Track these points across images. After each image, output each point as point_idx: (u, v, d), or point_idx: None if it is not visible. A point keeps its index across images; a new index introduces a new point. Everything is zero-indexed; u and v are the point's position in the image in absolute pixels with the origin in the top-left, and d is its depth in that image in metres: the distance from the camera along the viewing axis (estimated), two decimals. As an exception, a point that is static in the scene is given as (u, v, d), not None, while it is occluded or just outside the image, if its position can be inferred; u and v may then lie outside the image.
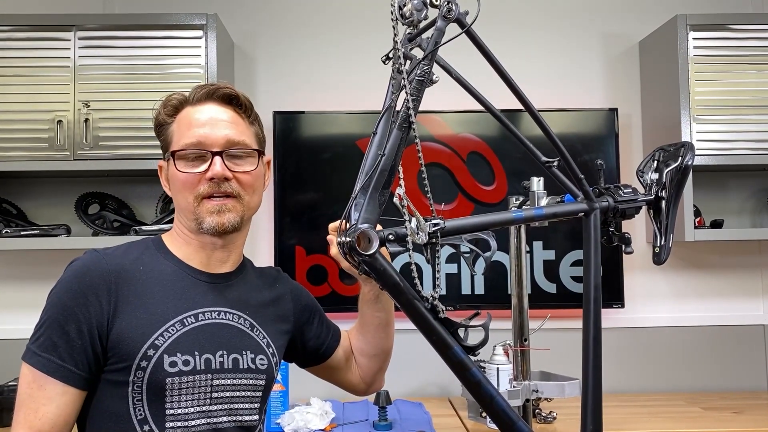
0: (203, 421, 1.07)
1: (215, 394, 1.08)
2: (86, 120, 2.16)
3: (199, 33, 2.21)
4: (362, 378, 1.40)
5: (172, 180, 1.16)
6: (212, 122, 1.13)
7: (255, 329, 1.17)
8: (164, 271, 1.12)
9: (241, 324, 1.15)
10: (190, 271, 1.14)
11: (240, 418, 1.12)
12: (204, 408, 1.07)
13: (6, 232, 2.23)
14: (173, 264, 1.14)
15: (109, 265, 1.07)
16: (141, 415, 1.03)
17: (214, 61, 2.19)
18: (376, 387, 1.44)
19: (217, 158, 1.11)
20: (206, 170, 1.11)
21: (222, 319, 1.13)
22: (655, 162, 1.06)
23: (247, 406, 1.13)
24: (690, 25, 2.26)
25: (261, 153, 1.19)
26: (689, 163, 1.00)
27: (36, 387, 1.01)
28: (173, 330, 1.06)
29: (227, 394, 1.10)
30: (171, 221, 2.26)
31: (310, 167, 2.43)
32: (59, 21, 2.20)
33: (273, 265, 1.49)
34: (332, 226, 1.29)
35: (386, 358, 1.40)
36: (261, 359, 1.15)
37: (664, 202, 1.02)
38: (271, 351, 1.19)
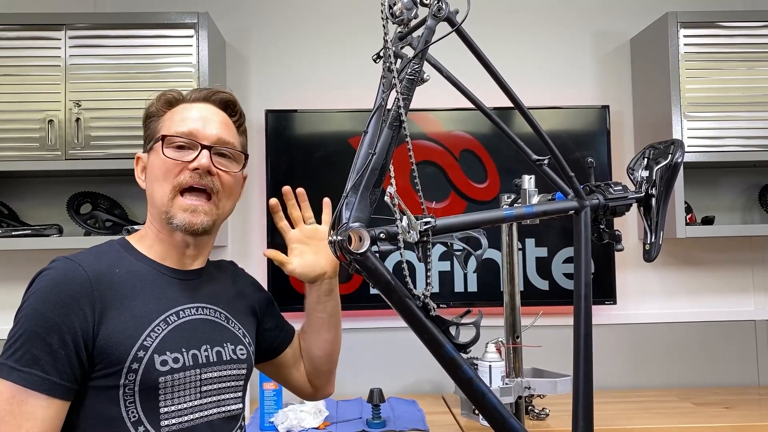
0: (196, 415, 1.09)
1: (204, 388, 1.10)
2: (77, 119, 2.15)
3: (191, 32, 2.20)
4: (309, 380, 1.39)
5: (150, 168, 1.16)
6: (206, 119, 1.16)
7: (231, 321, 1.19)
8: (139, 272, 1.12)
9: (218, 318, 1.17)
10: (164, 270, 1.15)
11: (227, 408, 1.15)
12: (196, 402, 1.09)
13: (-3, 232, 2.22)
14: (146, 264, 1.14)
15: (87, 272, 1.05)
16: (134, 416, 1.03)
17: (205, 60, 2.19)
18: (324, 392, 1.42)
19: (205, 151, 1.12)
20: (192, 160, 1.11)
21: (201, 314, 1.14)
22: (646, 159, 1.07)
23: (232, 395, 1.16)
24: (681, 22, 2.27)
25: (245, 159, 1.21)
26: (679, 160, 1.01)
27: (16, 403, 0.97)
28: (159, 329, 1.07)
29: (215, 386, 1.12)
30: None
31: (303, 165, 2.42)
32: (50, 20, 2.19)
33: (246, 263, 1.48)
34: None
35: (331, 361, 1.38)
36: (240, 349, 1.18)
37: (654, 200, 1.02)
38: (248, 341, 1.21)
